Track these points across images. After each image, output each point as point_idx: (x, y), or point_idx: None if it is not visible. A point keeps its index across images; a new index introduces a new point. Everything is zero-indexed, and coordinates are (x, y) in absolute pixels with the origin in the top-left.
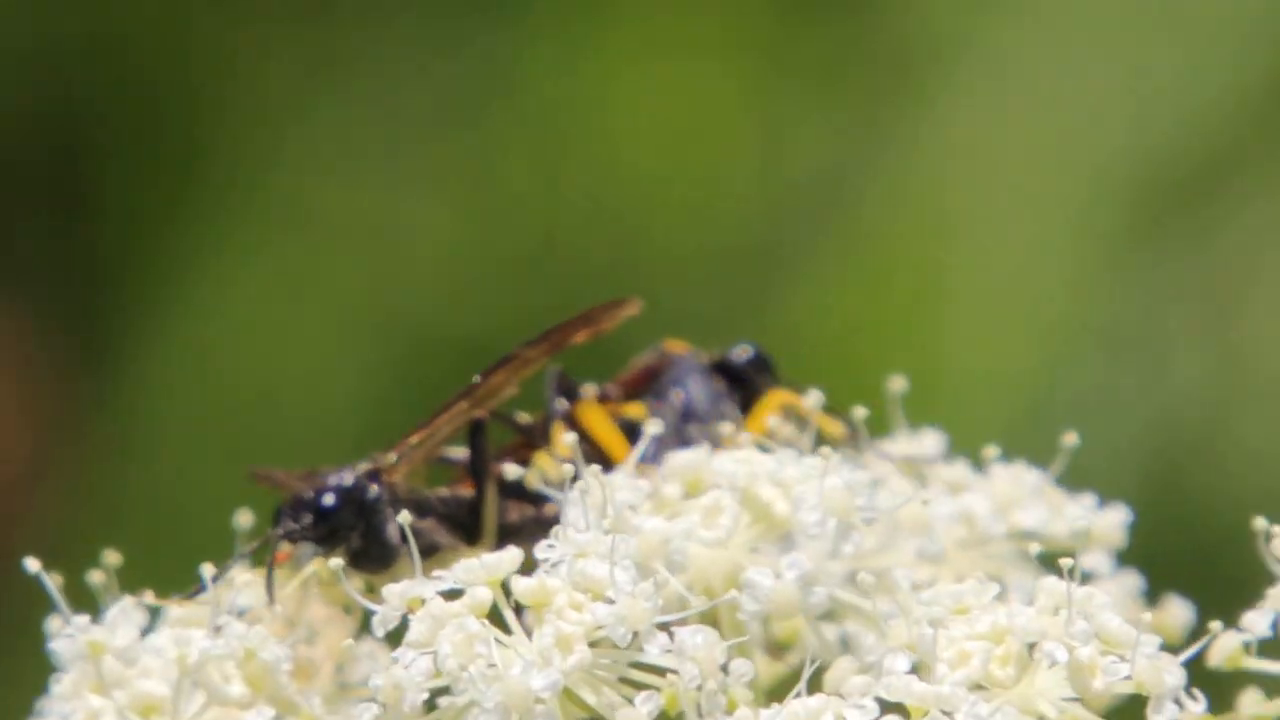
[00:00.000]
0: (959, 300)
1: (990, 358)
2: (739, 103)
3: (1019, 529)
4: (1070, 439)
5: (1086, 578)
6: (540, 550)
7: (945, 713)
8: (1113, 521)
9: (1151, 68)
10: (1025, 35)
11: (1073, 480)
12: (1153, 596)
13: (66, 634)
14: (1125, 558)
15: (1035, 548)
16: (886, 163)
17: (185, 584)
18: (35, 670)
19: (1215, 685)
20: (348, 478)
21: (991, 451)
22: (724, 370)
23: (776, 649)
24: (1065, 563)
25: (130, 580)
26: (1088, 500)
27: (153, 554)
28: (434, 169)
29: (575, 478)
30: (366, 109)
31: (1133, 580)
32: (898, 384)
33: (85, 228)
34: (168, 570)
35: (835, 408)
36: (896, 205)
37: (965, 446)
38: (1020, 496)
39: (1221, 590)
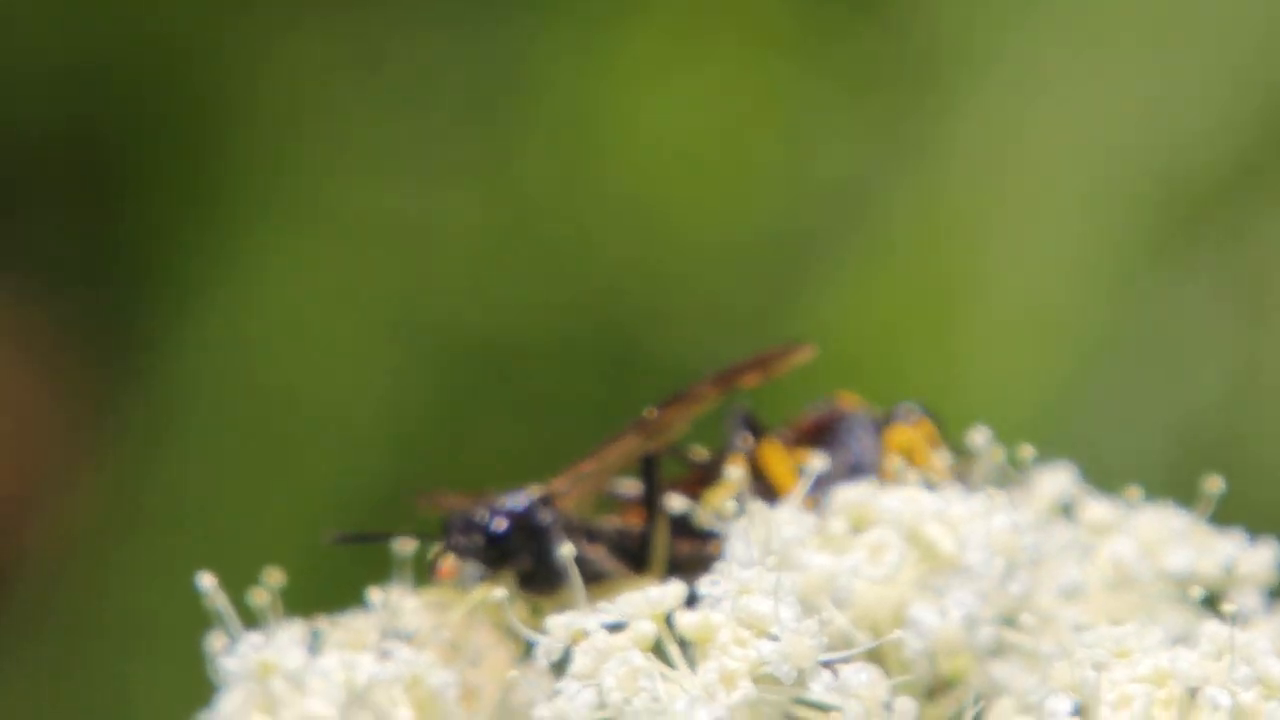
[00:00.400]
0: (985, 303)
1: (1015, 362)
2: (767, 100)
3: (1166, 571)
4: (1214, 485)
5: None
6: (704, 585)
7: None
8: (1263, 559)
9: (1179, 76)
10: (1054, 42)
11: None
12: None
13: (237, 653)
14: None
15: (1196, 591)
16: (914, 165)
17: (219, 575)
18: (52, 659)
19: None
20: (521, 501)
21: (1135, 492)
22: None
23: (941, 687)
24: (1229, 608)
25: (155, 572)
26: (1237, 538)
27: (178, 547)
28: (462, 165)
29: (741, 512)
30: (395, 105)
31: None
32: (981, 436)
33: (116, 223)
34: (195, 563)
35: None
36: (924, 207)
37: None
38: (1166, 538)
39: None
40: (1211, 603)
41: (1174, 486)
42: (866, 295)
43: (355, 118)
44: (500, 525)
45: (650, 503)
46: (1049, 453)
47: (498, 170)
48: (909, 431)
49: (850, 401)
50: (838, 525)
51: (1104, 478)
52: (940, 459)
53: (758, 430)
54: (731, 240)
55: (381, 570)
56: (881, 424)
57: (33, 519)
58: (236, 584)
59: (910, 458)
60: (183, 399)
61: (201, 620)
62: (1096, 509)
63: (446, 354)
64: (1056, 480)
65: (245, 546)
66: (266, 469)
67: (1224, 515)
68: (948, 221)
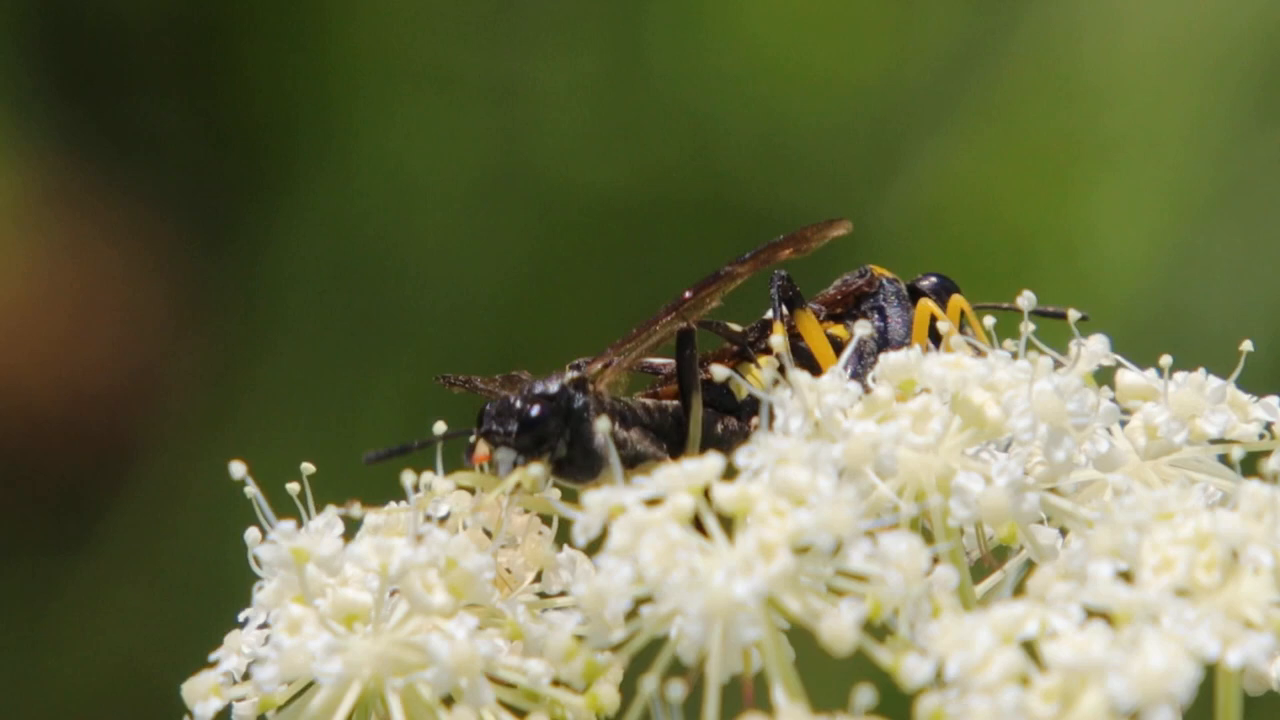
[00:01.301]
0: (1094, 170)
1: (1125, 225)
2: None
3: (1203, 436)
4: (1247, 345)
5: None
6: (742, 456)
7: (1151, 618)
8: None
9: None
10: None
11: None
12: None
13: (270, 540)
14: None
15: (1237, 451)
16: (1023, 34)
17: (318, 478)
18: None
19: None
20: (554, 386)
21: (1166, 359)
22: (914, 296)
23: (995, 553)
24: (1270, 467)
25: (264, 450)
26: (1272, 401)
27: (286, 425)
28: (580, 31)
29: (783, 381)
30: None
31: None
32: (1026, 300)
33: (220, 106)
34: (301, 440)
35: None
36: (1033, 77)
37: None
38: (1201, 404)
39: None
40: (1248, 468)
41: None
42: (978, 162)
43: None
44: (534, 409)
45: (684, 381)
46: (1158, 319)
47: (614, 38)
48: (934, 306)
49: (882, 273)
50: (882, 392)
51: (1211, 338)
52: (963, 336)
53: (794, 301)
54: (843, 112)
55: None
56: (912, 296)
57: (147, 400)
58: (338, 461)
59: (937, 330)
60: (290, 276)
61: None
62: (1130, 376)
63: (557, 219)
64: (1093, 348)
65: (353, 421)
66: (372, 341)
67: None
68: (1058, 87)
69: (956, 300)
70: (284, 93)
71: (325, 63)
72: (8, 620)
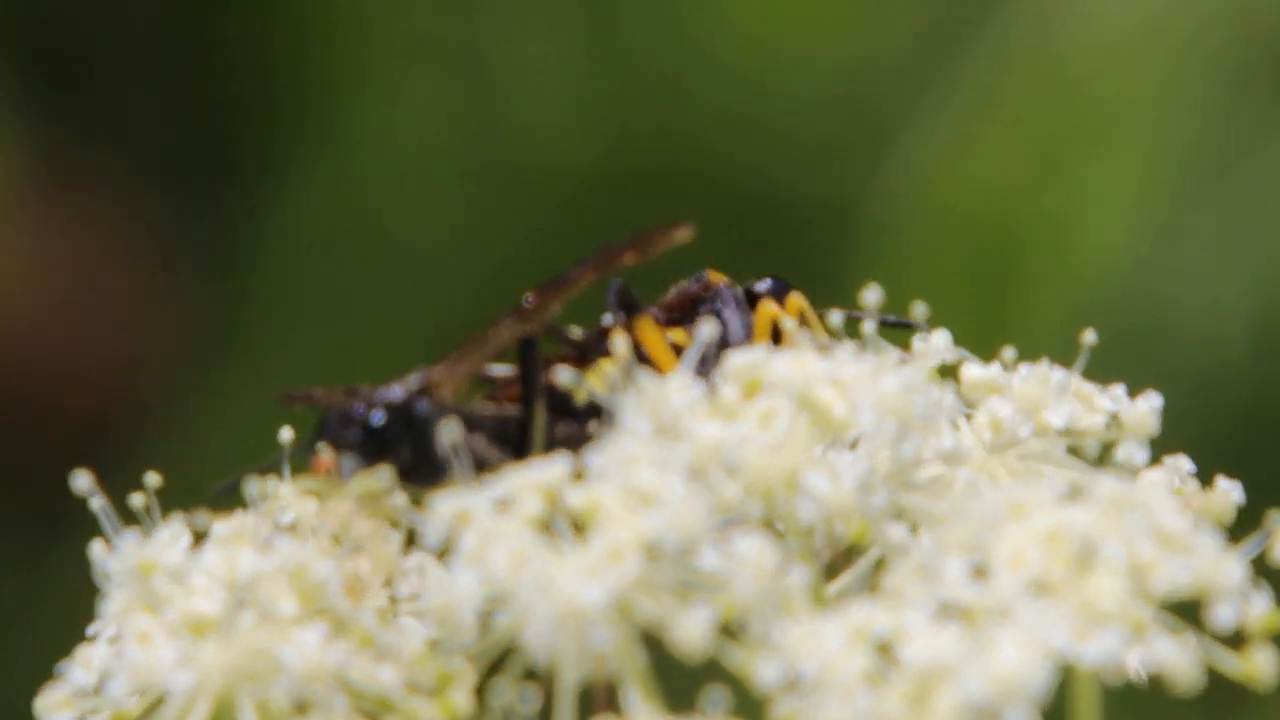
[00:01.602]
0: (1075, 145)
1: (1106, 201)
2: None
3: (1048, 428)
4: (1089, 336)
5: (1123, 467)
6: (591, 459)
7: (1005, 615)
8: (1145, 410)
9: None
10: None
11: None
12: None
13: (117, 553)
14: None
15: (1092, 444)
16: (1004, 9)
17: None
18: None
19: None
20: (396, 392)
21: (1009, 350)
22: (751, 300)
23: (847, 553)
24: (1124, 459)
25: (243, 437)
26: (1118, 391)
27: (265, 411)
28: (552, 7)
29: (627, 384)
30: None
31: (1183, 464)
32: (873, 295)
33: (215, 70)
34: (278, 425)
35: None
36: (1013, 53)
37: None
38: (1045, 396)
39: None
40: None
41: (1259, 327)
42: (957, 136)
43: None
44: (377, 417)
45: (528, 386)
46: (1137, 296)
47: (593, 9)
48: (778, 306)
49: (718, 277)
50: (728, 392)
51: (1191, 321)
52: (806, 334)
53: (631, 305)
54: (822, 84)
55: None
56: (749, 300)
57: (129, 380)
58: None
59: (779, 334)
60: (271, 253)
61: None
62: (974, 370)
63: (534, 191)
64: (936, 343)
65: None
66: (353, 315)
67: None
68: (1041, 64)
69: (795, 299)
70: (264, 68)
71: (304, 36)
72: None
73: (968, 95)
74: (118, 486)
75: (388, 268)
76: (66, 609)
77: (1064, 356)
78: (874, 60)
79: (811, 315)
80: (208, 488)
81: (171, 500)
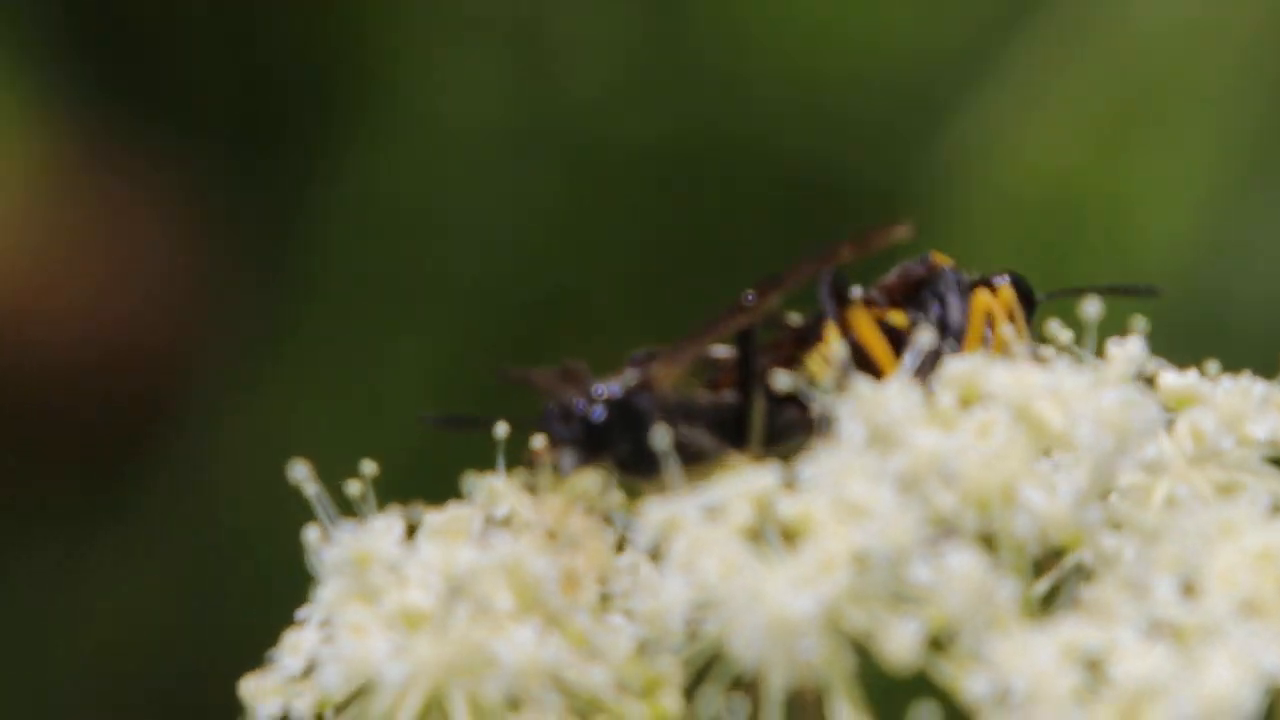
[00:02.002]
0: (1138, 140)
1: (1170, 196)
2: None
3: (1251, 440)
4: None
5: None
6: (804, 468)
7: (1217, 635)
8: None
9: None
10: None
11: (1251, 321)
12: None
13: (335, 542)
14: None
15: (1259, 454)
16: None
17: (356, 435)
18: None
19: None
20: (617, 389)
21: (1213, 363)
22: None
23: (1050, 564)
24: None
25: (291, 422)
26: None
27: (320, 386)
28: None
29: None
30: None
31: None
32: (1093, 309)
33: (260, 61)
34: (328, 406)
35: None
36: (1076, 35)
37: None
38: (1246, 408)
39: None
40: None
41: None
42: (1019, 122)
43: None
44: (598, 412)
45: (746, 376)
46: (1208, 293)
47: None
48: (992, 297)
49: (943, 260)
50: (946, 400)
51: (1236, 323)
52: (1014, 328)
53: (842, 294)
54: (879, 67)
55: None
56: (971, 286)
57: (191, 359)
58: (375, 424)
59: (992, 322)
60: (324, 231)
61: (348, 456)
62: (1172, 379)
63: (589, 172)
64: (1129, 350)
65: (384, 379)
66: (405, 300)
67: None
68: (1104, 48)
69: (1005, 291)
70: (319, 46)
71: (361, 12)
72: (33, 584)
73: (1027, 78)
74: (170, 472)
75: (444, 246)
76: (114, 595)
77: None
78: (932, 44)
79: (1018, 312)
80: (260, 474)
81: (224, 487)
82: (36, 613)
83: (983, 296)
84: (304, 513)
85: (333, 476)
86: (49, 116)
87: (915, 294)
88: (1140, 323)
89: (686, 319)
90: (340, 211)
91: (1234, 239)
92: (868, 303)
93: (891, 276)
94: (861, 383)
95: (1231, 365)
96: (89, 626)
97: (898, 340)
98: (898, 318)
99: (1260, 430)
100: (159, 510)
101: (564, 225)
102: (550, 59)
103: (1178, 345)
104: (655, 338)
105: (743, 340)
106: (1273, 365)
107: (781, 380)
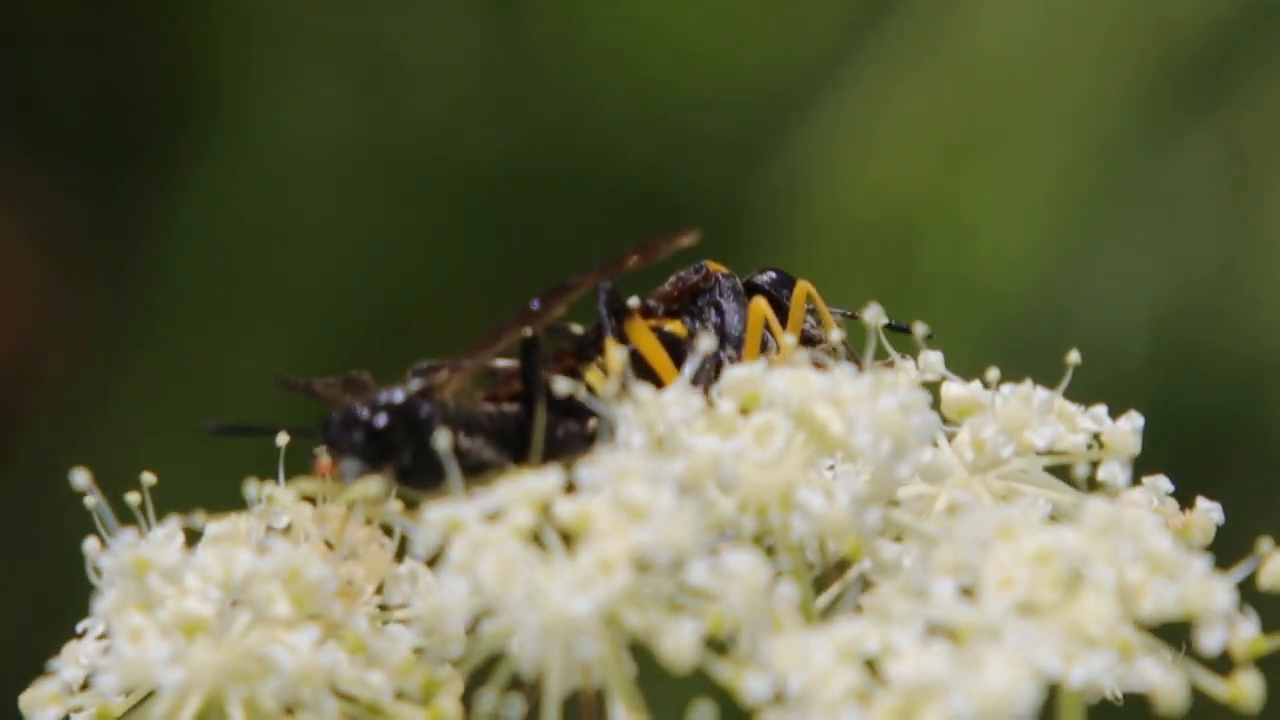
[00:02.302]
0: (978, 154)
1: (1011, 217)
2: None
3: (1030, 448)
4: (1073, 357)
5: (1100, 486)
6: (583, 472)
7: (994, 636)
8: (1127, 430)
9: None
10: None
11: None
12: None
13: (111, 551)
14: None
15: (1082, 467)
16: (909, 12)
17: (201, 444)
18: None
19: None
20: (399, 395)
21: (993, 371)
22: (750, 291)
23: (838, 567)
24: (1109, 480)
25: (153, 417)
26: (1099, 411)
27: (173, 394)
28: (460, 7)
29: (624, 395)
30: None
31: (1162, 483)
32: (873, 313)
33: (111, 68)
34: (186, 408)
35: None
36: (918, 56)
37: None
38: (1028, 416)
39: (1228, 450)
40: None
41: (1163, 341)
42: (860, 142)
43: None
44: (380, 419)
45: (530, 388)
46: (1046, 316)
47: (498, 9)
48: (765, 305)
49: (717, 268)
50: (726, 406)
51: (1096, 335)
52: (792, 331)
53: (620, 307)
54: (724, 86)
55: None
56: (749, 291)
57: (36, 369)
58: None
59: (771, 327)
60: (170, 246)
61: (192, 464)
62: (955, 389)
63: (433, 188)
64: (929, 360)
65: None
66: (250, 315)
67: (1212, 370)
68: (948, 76)
69: (802, 287)
70: (170, 58)
71: (211, 26)
72: None
73: (871, 97)
74: (20, 475)
75: (286, 260)
76: None
77: (961, 364)
78: (775, 62)
79: (819, 300)
80: (115, 477)
81: (65, 499)
82: None
83: (760, 304)
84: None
85: (172, 486)
86: None
87: (693, 302)
88: (921, 329)
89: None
90: (184, 224)
91: (1074, 261)
92: (645, 312)
93: (667, 285)
94: (641, 389)
95: (1070, 388)
96: None
97: (677, 350)
98: (676, 326)
99: (1040, 438)
100: (1, 516)
101: (406, 240)
102: (395, 77)
103: (1019, 367)
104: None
105: (527, 350)
106: (1108, 386)
107: (561, 385)
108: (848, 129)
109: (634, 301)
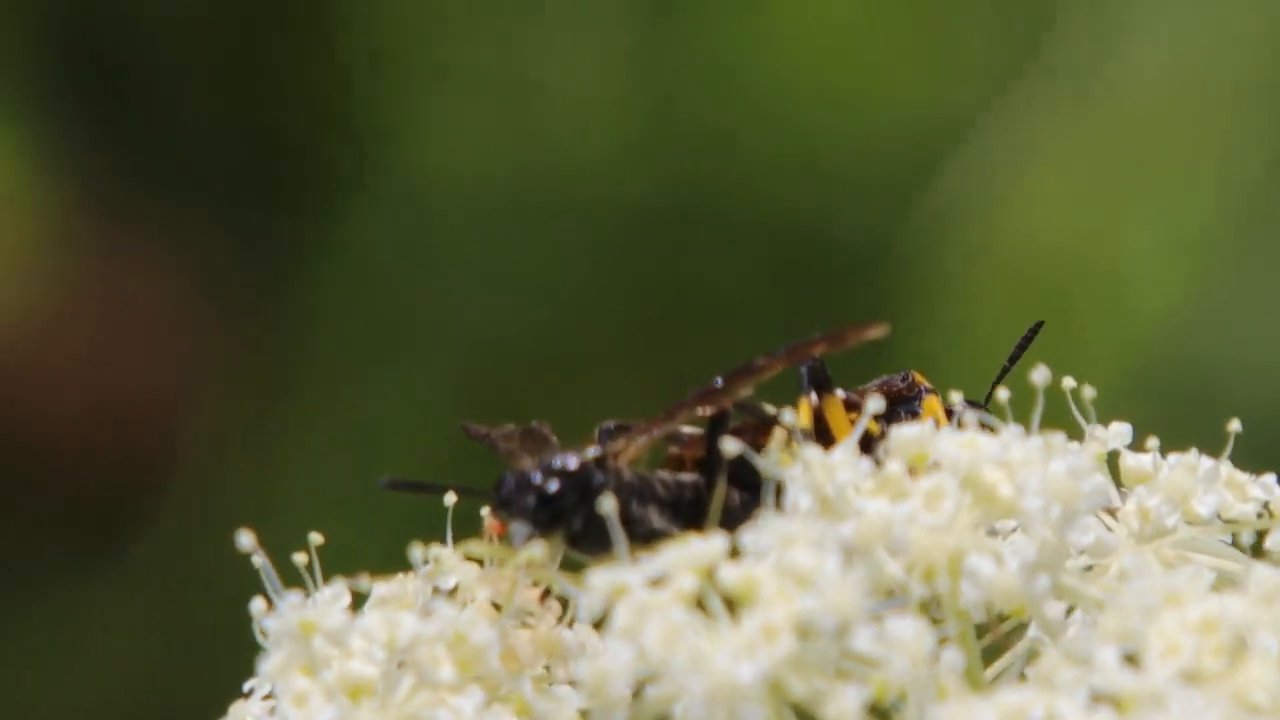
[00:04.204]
0: (1130, 201)
1: (1161, 265)
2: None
3: (1197, 518)
4: (1234, 425)
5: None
6: (748, 537)
7: (1158, 705)
8: None
9: None
10: None
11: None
12: None
13: (278, 613)
14: None
15: (1246, 534)
16: (1060, 58)
17: (352, 496)
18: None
19: None
20: (573, 461)
21: (1153, 441)
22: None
23: (1005, 637)
24: (1275, 549)
25: (304, 466)
26: (1269, 480)
27: (325, 442)
28: (599, 45)
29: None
30: None
31: None
32: (1040, 375)
33: (261, 121)
34: (321, 471)
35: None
36: (1069, 102)
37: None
38: (1193, 486)
39: None
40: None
41: None
42: (1011, 187)
43: None
44: (552, 485)
45: (711, 463)
46: (1198, 366)
47: (647, 49)
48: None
49: (922, 381)
50: (893, 466)
51: (1225, 385)
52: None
53: (824, 384)
54: (871, 130)
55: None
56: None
57: (184, 416)
58: (363, 488)
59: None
60: (332, 285)
61: (345, 515)
62: (1133, 460)
63: (579, 229)
64: (1116, 429)
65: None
66: (398, 359)
67: None
68: (1097, 118)
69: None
70: (318, 103)
71: (359, 69)
72: (24, 643)
73: (1020, 143)
74: (169, 529)
75: (436, 306)
76: (103, 654)
77: (1113, 411)
78: (925, 107)
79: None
80: (265, 528)
81: (225, 544)
82: (27, 671)
83: (934, 400)
84: (293, 575)
85: (325, 537)
86: (48, 175)
87: (892, 407)
88: (1089, 392)
89: (676, 374)
90: (341, 266)
91: (1227, 308)
92: (847, 405)
93: (872, 386)
94: (809, 450)
95: (1221, 435)
96: (79, 684)
97: (868, 448)
98: (872, 425)
99: (1205, 507)
100: (152, 570)
101: (557, 283)
102: (544, 117)
103: (1173, 414)
104: (646, 393)
105: (714, 428)
106: (1263, 435)
107: (731, 445)
108: (997, 174)
109: (840, 392)
